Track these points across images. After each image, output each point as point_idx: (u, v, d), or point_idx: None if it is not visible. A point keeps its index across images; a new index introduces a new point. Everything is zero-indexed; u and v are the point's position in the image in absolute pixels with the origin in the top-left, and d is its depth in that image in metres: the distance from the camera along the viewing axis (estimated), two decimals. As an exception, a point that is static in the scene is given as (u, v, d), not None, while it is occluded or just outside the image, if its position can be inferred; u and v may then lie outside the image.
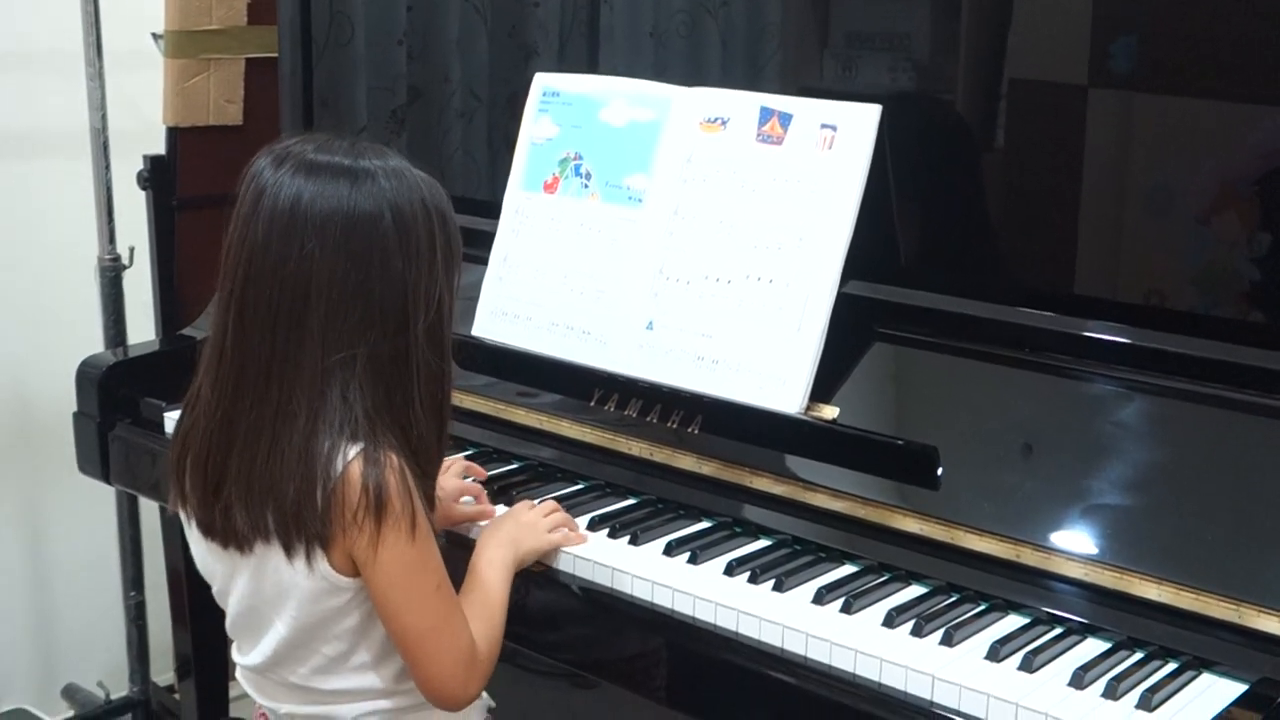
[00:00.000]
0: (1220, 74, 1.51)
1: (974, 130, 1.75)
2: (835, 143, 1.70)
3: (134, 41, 2.60)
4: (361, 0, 2.29)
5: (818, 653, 1.42)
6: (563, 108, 1.95)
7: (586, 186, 1.90)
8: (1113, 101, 1.60)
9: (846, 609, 1.48)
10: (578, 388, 1.84)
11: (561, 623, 1.62)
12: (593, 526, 1.67)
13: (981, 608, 1.49)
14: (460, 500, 1.72)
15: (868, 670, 1.39)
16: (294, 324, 1.37)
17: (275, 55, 2.39)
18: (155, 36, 2.52)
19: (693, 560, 1.59)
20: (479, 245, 1.90)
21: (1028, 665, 1.37)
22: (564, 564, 1.61)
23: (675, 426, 1.74)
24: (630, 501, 1.76)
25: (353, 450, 1.37)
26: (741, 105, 1.78)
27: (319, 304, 1.36)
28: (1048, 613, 1.46)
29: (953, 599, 1.51)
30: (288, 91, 2.37)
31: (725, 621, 1.48)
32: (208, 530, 1.45)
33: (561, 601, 1.60)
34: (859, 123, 1.69)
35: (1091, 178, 1.61)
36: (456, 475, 1.74)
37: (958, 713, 1.33)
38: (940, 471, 1.57)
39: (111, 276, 2.63)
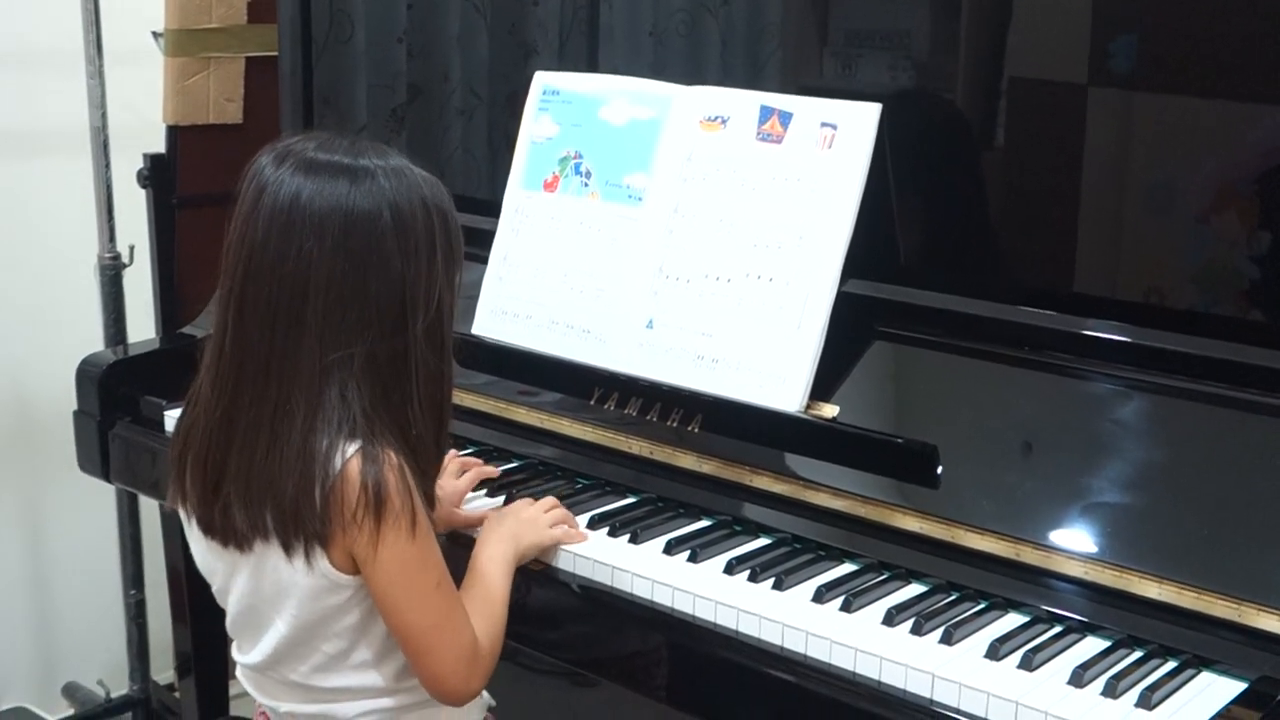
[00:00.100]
0: (1220, 73, 1.51)
1: (974, 129, 1.75)
2: (835, 141, 1.70)
3: (134, 40, 2.60)
4: (361, -2, 2.29)
5: (817, 651, 1.42)
6: (563, 106, 1.95)
7: (586, 185, 1.90)
8: (1113, 100, 1.60)
9: (846, 607, 1.48)
10: (578, 386, 1.84)
11: (561, 621, 1.62)
12: (593, 525, 1.67)
13: (981, 606, 1.49)
14: (462, 500, 1.72)
15: (867, 669, 1.39)
16: (292, 322, 1.37)
17: (275, 54, 2.39)
18: (155, 35, 2.52)
19: (693, 559, 1.59)
20: (479, 244, 1.90)
21: (1027, 664, 1.37)
22: (564, 562, 1.61)
23: (675, 425, 1.74)
24: (630, 500, 1.76)
25: (351, 448, 1.37)
26: (741, 104, 1.78)
27: (317, 302, 1.36)
28: (1047, 611, 1.46)
29: (952, 597, 1.51)
30: (288, 90, 2.37)
31: (725, 620, 1.48)
32: (207, 528, 1.45)
33: (561, 600, 1.60)
34: (859, 121, 1.69)
35: (1091, 176, 1.61)
36: (454, 475, 1.74)
37: (957, 711, 1.33)
38: (940, 470, 1.57)
39: (111, 275, 2.63)
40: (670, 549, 1.61)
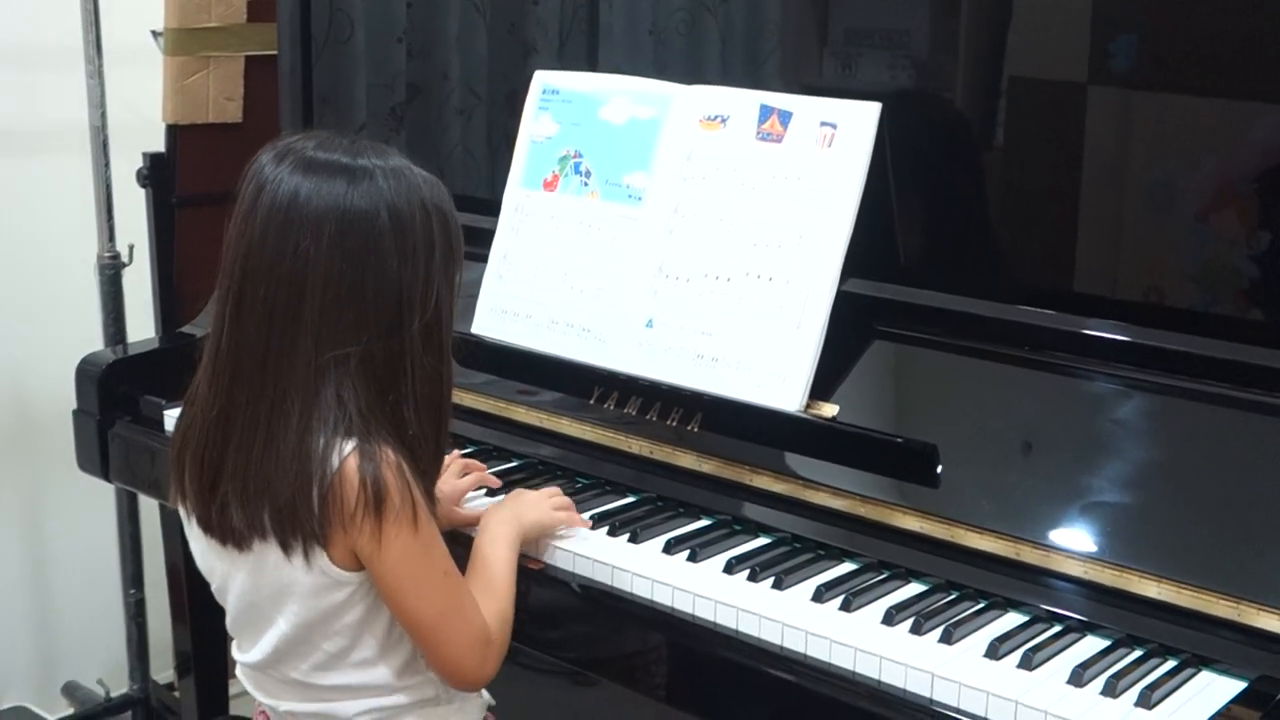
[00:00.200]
0: (1220, 71, 1.51)
1: (974, 128, 1.75)
2: (835, 140, 1.70)
3: (134, 39, 2.60)
4: (361, -3, 2.29)
5: (817, 650, 1.42)
6: (562, 105, 1.95)
7: (586, 184, 1.90)
8: (1112, 99, 1.60)
9: (846, 607, 1.48)
10: (578, 386, 1.84)
11: (561, 621, 1.62)
12: (592, 524, 1.67)
13: (981, 605, 1.49)
14: (462, 500, 1.72)
15: (867, 668, 1.39)
16: (288, 321, 1.37)
17: (275, 53, 2.39)
18: (155, 34, 2.52)
19: (692, 558, 1.59)
20: (479, 243, 1.90)
21: (1027, 663, 1.37)
22: (564, 562, 1.61)
23: (675, 424, 1.74)
24: (630, 499, 1.76)
25: (348, 446, 1.37)
26: (741, 103, 1.78)
27: (313, 301, 1.36)
28: (1047, 610, 1.46)
29: (952, 597, 1.51)
30: (287, 89, 2.37)
31: (725, 619, 1.48)
32: (206, 527, 1.45)
33: (561, 599, 1.60)
34: (859, 120, 1.69)
35: (1091, 175, 1.61)
36: (454, 475, 1.74)
37: (957, 710, 1.33)
38: (940, 469, 1.57)
39: (111, 274, 2.62)
40: (670, 548, 1.61)
